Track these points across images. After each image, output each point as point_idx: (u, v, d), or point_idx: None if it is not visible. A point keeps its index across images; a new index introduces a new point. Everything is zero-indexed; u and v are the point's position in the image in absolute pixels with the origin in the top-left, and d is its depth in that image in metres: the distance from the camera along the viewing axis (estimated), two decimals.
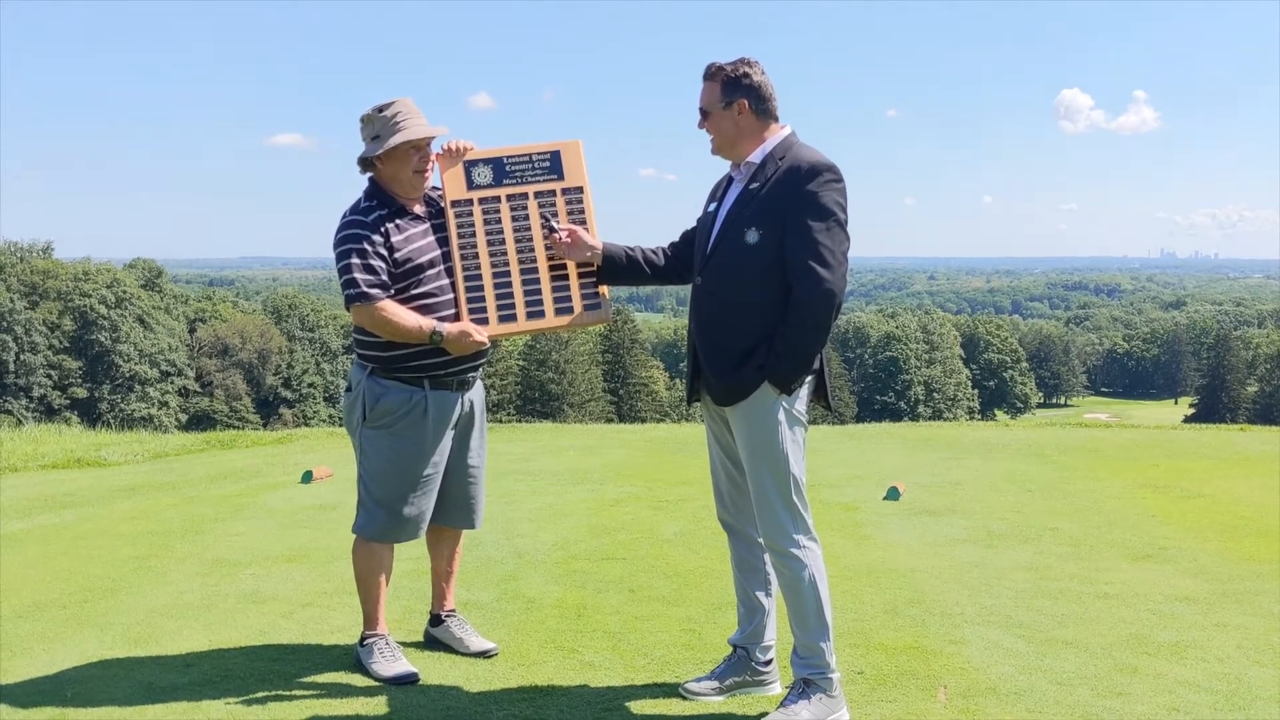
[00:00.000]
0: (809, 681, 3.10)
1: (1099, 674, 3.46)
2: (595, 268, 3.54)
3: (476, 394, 3.68)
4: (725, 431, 3.28)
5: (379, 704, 3.26)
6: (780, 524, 3.10)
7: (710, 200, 3.33)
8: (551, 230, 3.51)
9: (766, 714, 3.11)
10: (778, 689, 3.34)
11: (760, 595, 3.35)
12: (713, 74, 3.17)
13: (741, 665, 3.35)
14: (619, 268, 3.52)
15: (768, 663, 3.37)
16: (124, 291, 54.44)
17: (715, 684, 3.31)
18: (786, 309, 3.04)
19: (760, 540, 3.27)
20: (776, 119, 3.20)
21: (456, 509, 3.70)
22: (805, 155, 3.09)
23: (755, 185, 3.12)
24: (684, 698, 3.29)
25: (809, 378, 3.14)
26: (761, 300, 3.07)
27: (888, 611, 4.12)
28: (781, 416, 3.09)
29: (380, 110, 3.46)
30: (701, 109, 3.21)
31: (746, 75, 3.14)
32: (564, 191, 3.58)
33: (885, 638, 3.81)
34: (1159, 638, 3.81)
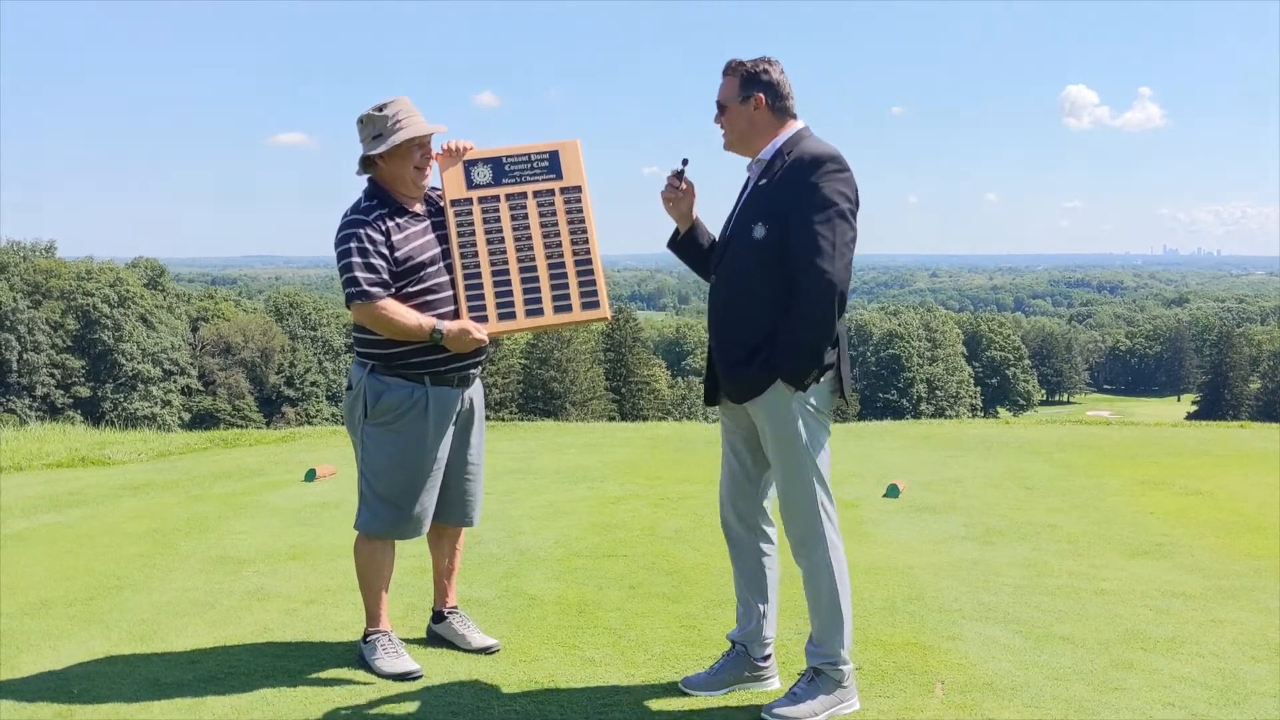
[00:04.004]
0: (819, 671, 3.13)
1: (1095, 669, 3.49)
2: (594, 265, 3.57)
3: (476, 391, 3.71)
4: (738, 430, 3.30)
5: (382, 700, 3.29)
6: (803, 518, 3.13)
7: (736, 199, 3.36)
8: (680, 176, 3.38)
9: (764, 706, 3.15)
10: (776, 684, 3.37)
11: (760, 593, 3.37)
12: (732, 69, 3.21)
13: (740, 661, 3.37)
14: (699, 250, 3.46)
15: (766, 659, 3.39)
16: (127, 290, 54.49)
17: (714, 679, 3.34)
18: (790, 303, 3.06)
19: (759, 542, 3.33)
20: (794, 116, 3.23)
21: (454, 506, 3.72)
22: (809, 147, 3.11)
23: (764, 181, 3.15)
24: (683, 693, 3.32)
25: (829, 372, 3.14)
26: (767, 296, 3.09)
27: (886, 608, 4.15)
28: (798, 412, 3.10)
29: (380, 110, 3.49)
30: (719, 103, 3.24)
31: (765, 71, 3.18)
32: (562, 191, 3.61)
33: (884, 633, 3.83)
34: (1155, 633, 3.84)
